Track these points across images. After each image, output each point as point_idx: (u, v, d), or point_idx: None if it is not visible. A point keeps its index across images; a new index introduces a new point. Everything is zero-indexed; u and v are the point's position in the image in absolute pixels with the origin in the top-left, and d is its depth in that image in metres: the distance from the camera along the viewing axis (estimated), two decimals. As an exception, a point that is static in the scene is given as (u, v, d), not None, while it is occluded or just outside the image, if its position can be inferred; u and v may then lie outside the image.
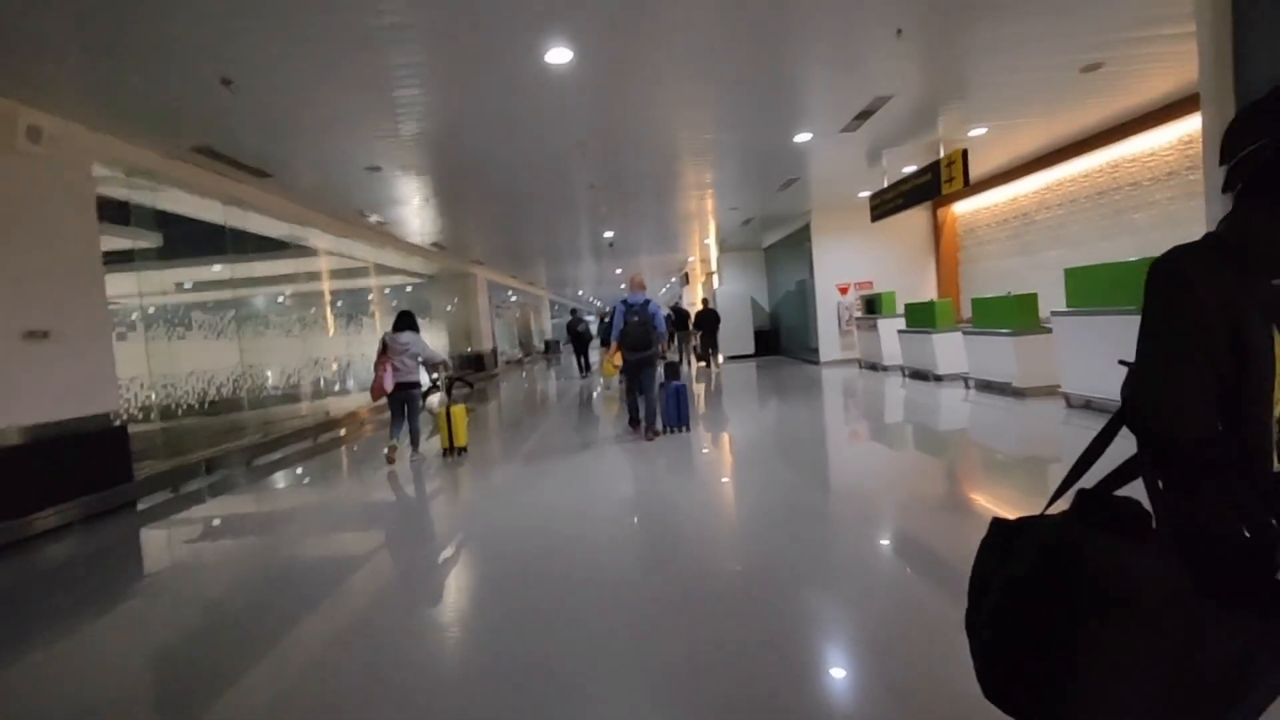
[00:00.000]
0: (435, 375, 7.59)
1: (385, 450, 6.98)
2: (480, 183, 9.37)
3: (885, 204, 10.16)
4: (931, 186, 8.55)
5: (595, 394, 13.91)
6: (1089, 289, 6.44)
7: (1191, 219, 7.86)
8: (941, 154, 8.31)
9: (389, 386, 6.63)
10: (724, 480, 5.77)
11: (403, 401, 6.85)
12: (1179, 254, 1.08)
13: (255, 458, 8.12)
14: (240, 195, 8.17)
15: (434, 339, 16.77)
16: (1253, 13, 2.24)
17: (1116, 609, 0.93)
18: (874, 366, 12.17)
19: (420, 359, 6.90)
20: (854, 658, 2.57)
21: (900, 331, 10.79)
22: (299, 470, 7.95)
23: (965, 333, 8.66)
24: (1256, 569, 0.95)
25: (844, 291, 14.04)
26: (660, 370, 7.46)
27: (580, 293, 37.67)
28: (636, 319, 6.90)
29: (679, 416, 7.46)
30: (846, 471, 6.05)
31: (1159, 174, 8.29)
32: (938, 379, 9.62)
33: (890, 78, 6.28)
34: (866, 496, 4.88)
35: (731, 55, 5.47)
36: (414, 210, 10.86)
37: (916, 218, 13.82)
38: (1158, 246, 8.48)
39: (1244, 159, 1.07)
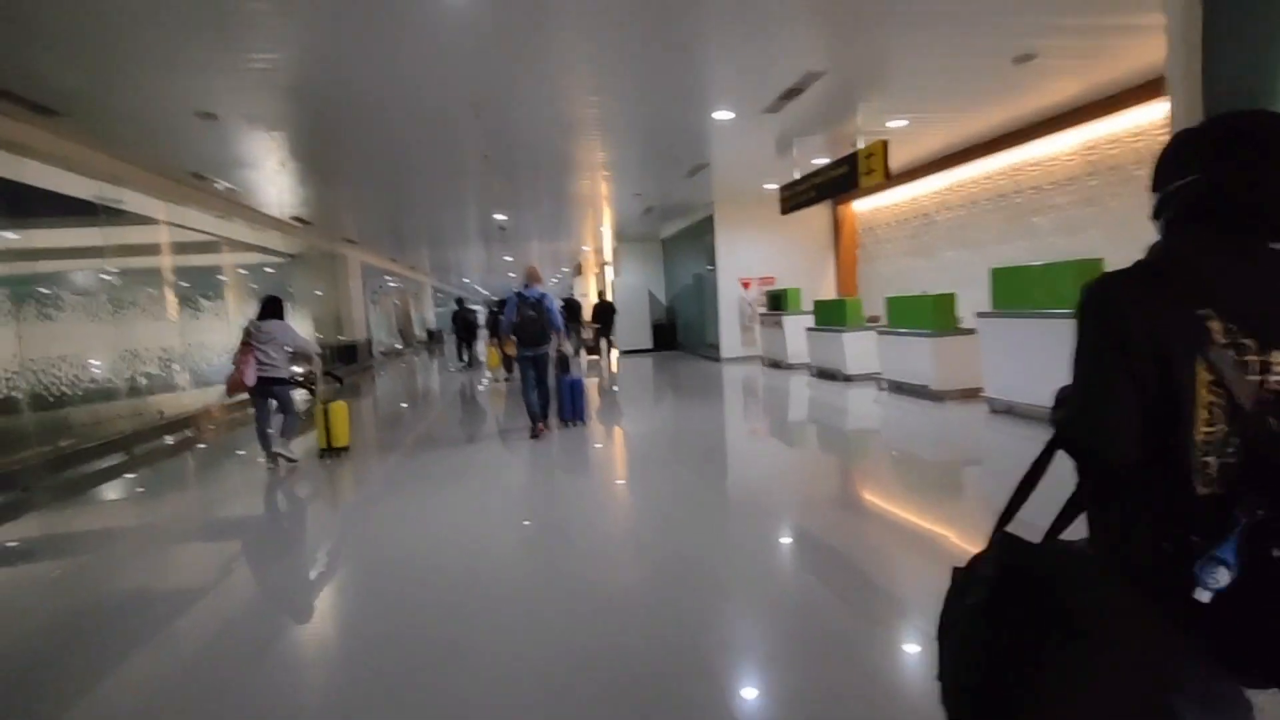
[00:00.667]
0: (301, 370, 6.74)
1: (263, 458, 6.21)
2: (353, 145, 7.99)
3: (797, 196, 9.76)
4: (848, 179, 8.17)
5: (482, 387, 13.01)
6: (1017, 290, 6.23)
7: (1090, 224, 7.99)
8: (860, 145, 7.95)
9: (250, 380, 5.82)
10: (620, 481, 5.51)
11: (267, 399, 6.09)
12: (1112, 281, 1.07)
13: (60, 470, 6.40)
14: (19, 139, 6.34)
15: (298, 327, 14.79)
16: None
17: (1079, 636, 0.96)
18: (778, 364, 11.87)
19: (289, 350, 6.17)
20: (759, 669, 2.54)
21: (809, 329, 10.50)
22: (121, 483, 6.50)
23: (880, 332, 8.40)
24: (1170, 583, 0.98)
25: (746, 286, 13.70)
26: (553, 368, 7.32)
27: (466, 280, 35.67)
28: (532, 313, 6.66)
29: (574, 410, 7.45)
30: (757, 475, 5.67)
31: (1059, 179, 8.39)
32: (847, 379, 9.37)
33: (824, 53, 5.72)
34: (781, 501, 4.66)
35: (653, 13, 4.66)
36: (267, 176, 9.20)
37: (817, 215, 13.70)
38: (1057, 250, 8.67)
39: (1174, 191, 1.07)
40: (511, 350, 6.94)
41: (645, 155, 9.30)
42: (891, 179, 7.83)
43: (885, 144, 7.49)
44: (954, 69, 6.25)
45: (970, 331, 7.04)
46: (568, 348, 7.74)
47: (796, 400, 9.21)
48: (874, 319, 10.09)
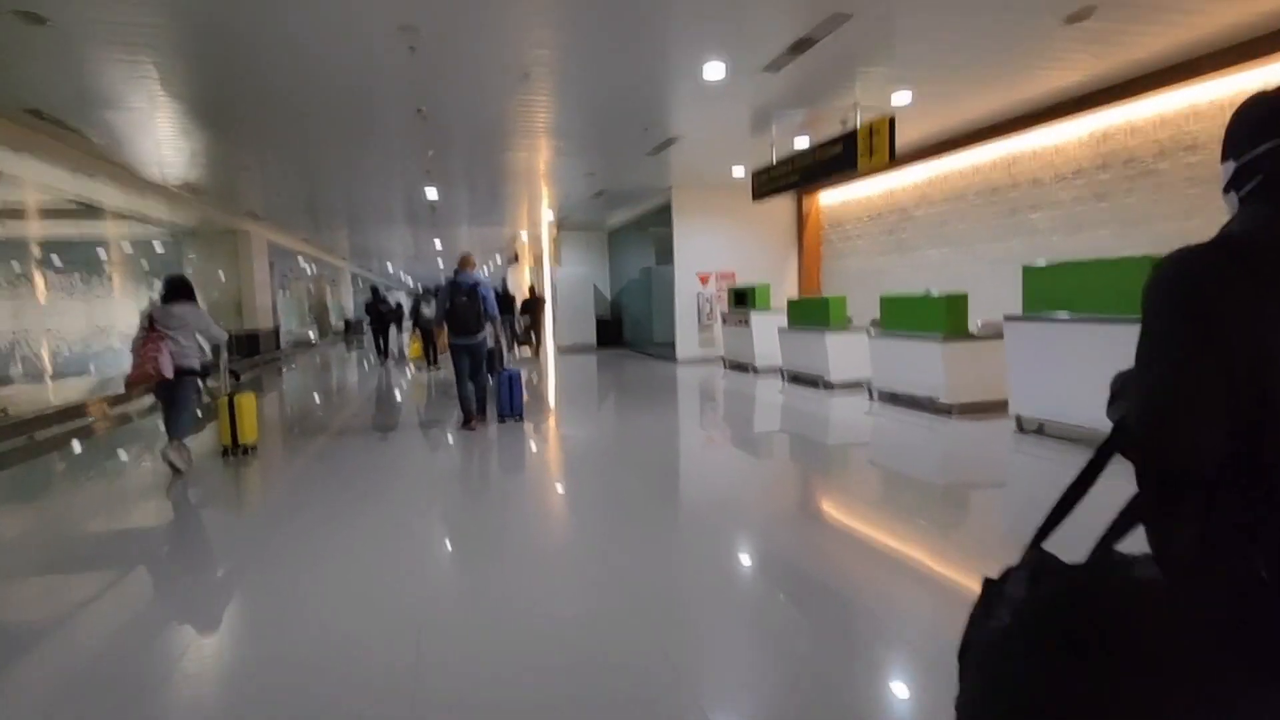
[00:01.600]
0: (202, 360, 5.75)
1: (166, 454, 5.26)
2: (252, 87, 6.38)
3: (774, 181, 8.73)
4: (843, 159, 7.18)
5: (404, 383, 11.63)
6: (1056, 291, 5.35)
7: (1099, 221, 7.31)
8: (858, 121, 6.96)
9: (168, 372, 5.08)
10: (562, 492, 4.98)
11: (173, 391, 5.29)
12: (1195, 259, 0.89)
13: None
14: None
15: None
16: None
17: (1141, 671, 0.83)
18: (743, 367, 10.86)
19: (198, 335, 5.48)
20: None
21: (782, 330, 9.51)
22: None
23: (876, 336, 7.46)
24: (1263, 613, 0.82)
25: (704, 281, 12.64)
26: (489, 359, 7.05)
27: (390, 267, 33.23)
28: (465, 299, 6.41)
29: (512, 405, 7.09)
30: (730, 491, 4.86)
31: (1064, 172, 7.69)
32: (829, 386, 8.42)
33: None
34: (761, 521, 4.14)
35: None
36: (138, 124, 7.38)
37: (781, 207, 12.82)
38: (1057, 250, 7.74)
39: (1259, 158, 0.94)
40: (443, 341, 6.73)
41: (608, 122, 8.01)
42: (894, 161, 6.85)
43: (891, 120, 6.54)
44: (999, 28, 5.29)
45: (992, 337, 6.16)
46: (502, 340, 7.42)
47: (770, 408, 8.19)
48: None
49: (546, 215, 15.66)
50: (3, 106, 6.64)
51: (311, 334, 22.97)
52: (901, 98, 7.09)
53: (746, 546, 3.73)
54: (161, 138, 8.08)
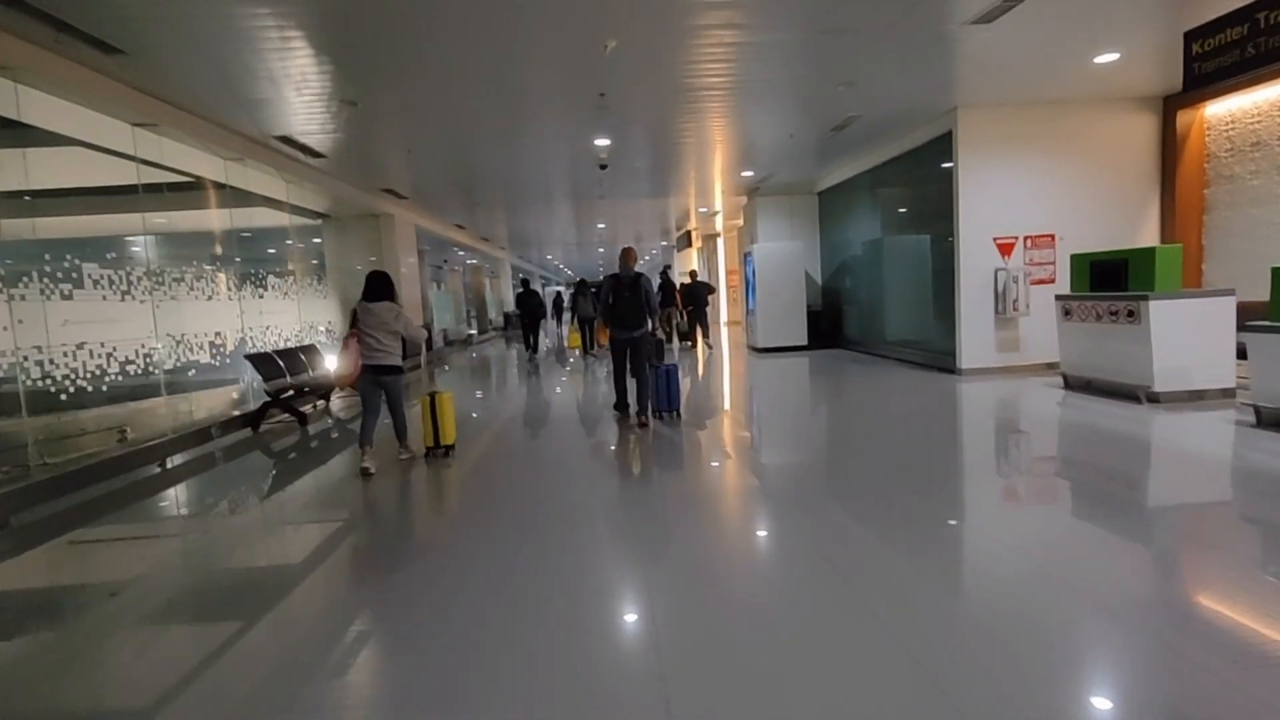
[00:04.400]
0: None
1: (363, 462, 5.15)
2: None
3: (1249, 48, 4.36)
4: None
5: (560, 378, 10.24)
6: None
7: None
8: None
9: (353, 368, 5.09)
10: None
11: (379, 389, 5.25)
12: None
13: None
14: None
15: (314, 309, 10.52)
16: None
17: None
18: (1113, 391, 6.46)
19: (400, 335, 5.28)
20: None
21: (1253, 329, 5.05)
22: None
23: None
24: None
25: (1007, 251, 8.25)
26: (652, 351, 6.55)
27: (550, 257, 31.35)
28: (628, 294, 6.26)
29: (670, 401, 6.65)
30: None
31: None
32: None
33: None
34: None
35: None
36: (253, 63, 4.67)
37: (1126, 130, 8.13)
38: None
39: None
40: (605, 338, 6.58)
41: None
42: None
43: None
44: None
45: None
46: (659, 334, 6.82)
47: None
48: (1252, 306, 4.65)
49: (738, 175, 11.93)
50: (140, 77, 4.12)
51: (470, 330, 21.19)
52: None
53: None
54: (291, 89, 5.47)
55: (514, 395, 9.49)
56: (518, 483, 4.85)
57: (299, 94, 6.29)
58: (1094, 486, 4.17)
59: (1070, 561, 2.97)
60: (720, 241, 21.74)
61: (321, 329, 10.54)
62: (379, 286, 5.27)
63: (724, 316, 22.28)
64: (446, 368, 13.66)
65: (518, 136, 8.33)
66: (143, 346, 6.27)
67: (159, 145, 6.51)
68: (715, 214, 17.65)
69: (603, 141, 8.75)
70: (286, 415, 7.64)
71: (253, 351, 7.86)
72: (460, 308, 20.32)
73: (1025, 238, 8.21)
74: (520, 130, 8.04)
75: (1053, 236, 8.21)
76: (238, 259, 8.26)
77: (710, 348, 14.24)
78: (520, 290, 15.38)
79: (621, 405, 6.80)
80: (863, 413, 6.87)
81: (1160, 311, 5.83)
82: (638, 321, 6.29)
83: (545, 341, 19.20)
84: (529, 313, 14.94)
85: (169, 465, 5.94)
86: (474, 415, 7.78)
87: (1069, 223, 8.19)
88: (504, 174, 10.82)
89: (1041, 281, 8.19)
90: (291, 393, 7.61)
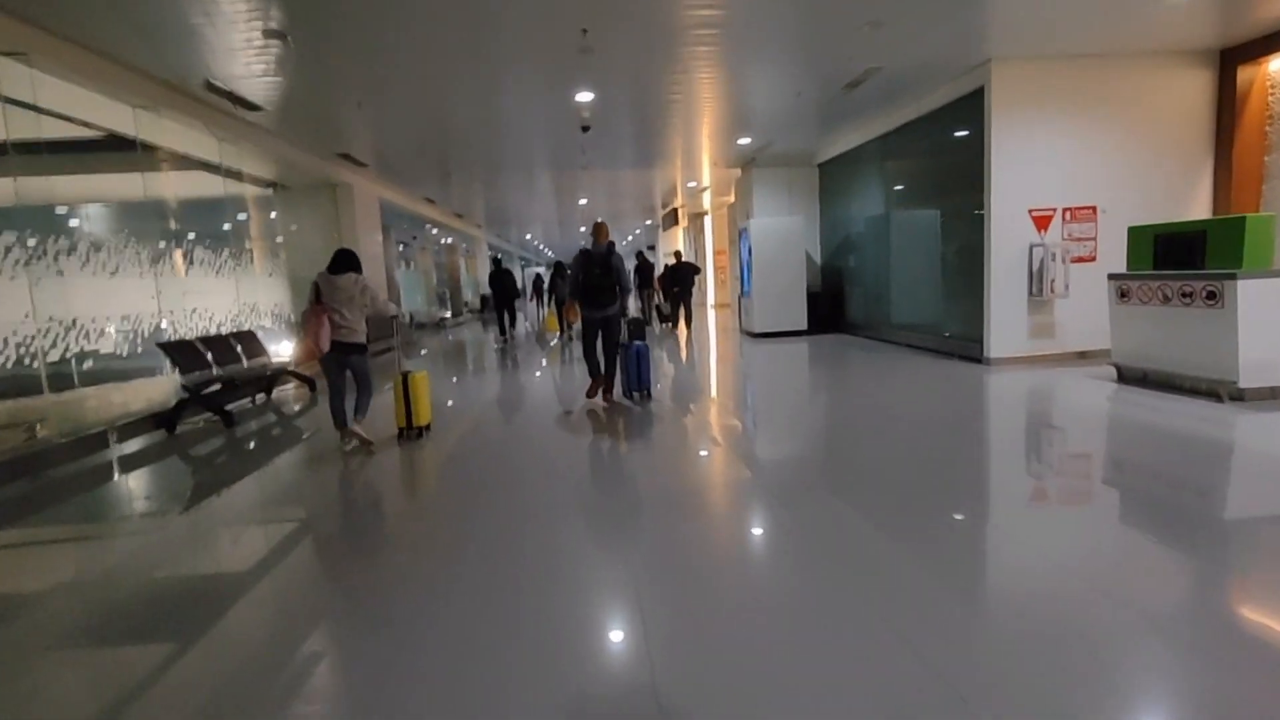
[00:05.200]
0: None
1: (340, 437, 5.13)
2: None
3: None
4: None
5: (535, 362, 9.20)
6: None
7: None
8: None
9: (325, 346, 4.81)
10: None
11: (343, 367, 5.04)
12: None
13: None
14: None
15: (258, 289, 9.29)
16: None
17: None
18: (1176, 384, 5.57)
19: (366, 310, 5.03)
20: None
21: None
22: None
23: None
24: None
25: (1044, 224, 7.31)
26: (624, 329, 6.49)
27: (529, 237, 30.07)
28: (599, 271, 6.02)
29: (640, 381, 6.44)
30: None
31: None
32: None
33: None
34: None
35: None
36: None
37: (1181, 84, 7.20)
38: None
39: None
40: (574, 317, 6.35)
41: None
42: None
43: None
44: None
45: None
46: (630, 311, 6.64)
47: None
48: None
49: (734, 144, 10.87)
50: None
51: (444, 313, 19.97)
52: None
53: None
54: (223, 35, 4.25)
55: (481, 382, 8.45)
56: (488, 471, 4.47)
57: (210, 22, 5.11)
58: (1189, 510, 3.24)
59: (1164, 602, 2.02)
60: (708, 220, 20.67)
61: (267, 311, 9.33)
62: (343, 259, 5.02)
63: (711, 299, 21.27)
64: (424, 351, 12.52)
65: (491, 89, 7.19)
66: (14, 334, 5.09)
67: (31, 82, 5.26)
68: (704, 190, 16.58)
69: (585, 96, 7.63)
70: (210, 414, 6.51)
71: (168, 339, 6.68)
72: (431, 289, 19.08)
73: (1064, 210, 7.27)
74: (494, 80, 6.90)
75: (1094, 208, 7.28)
76: (154, 230, 7.03)
77: (689, 331, 13.53)
78: (493, 270, 14.41)
79: (595, 376, 6.44)
80: (880, 408, 5.90)
81: (1250, 293, 4.91)
82: (609, 298, 6.09)
83: (525, 324, 18.22)
84: (502, 293, 14.10)
85: (43, 478, 4.81)
86: (447, 403, 6.77)
87: (1111, 193, 7.26)
88: (477, 137, 9.65)
89: (1080, 260, 7.28)
90: (219, 386, 6.48)
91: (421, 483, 4.44)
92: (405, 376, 5.29)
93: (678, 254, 14.07)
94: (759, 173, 12.29)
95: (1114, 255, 7.16)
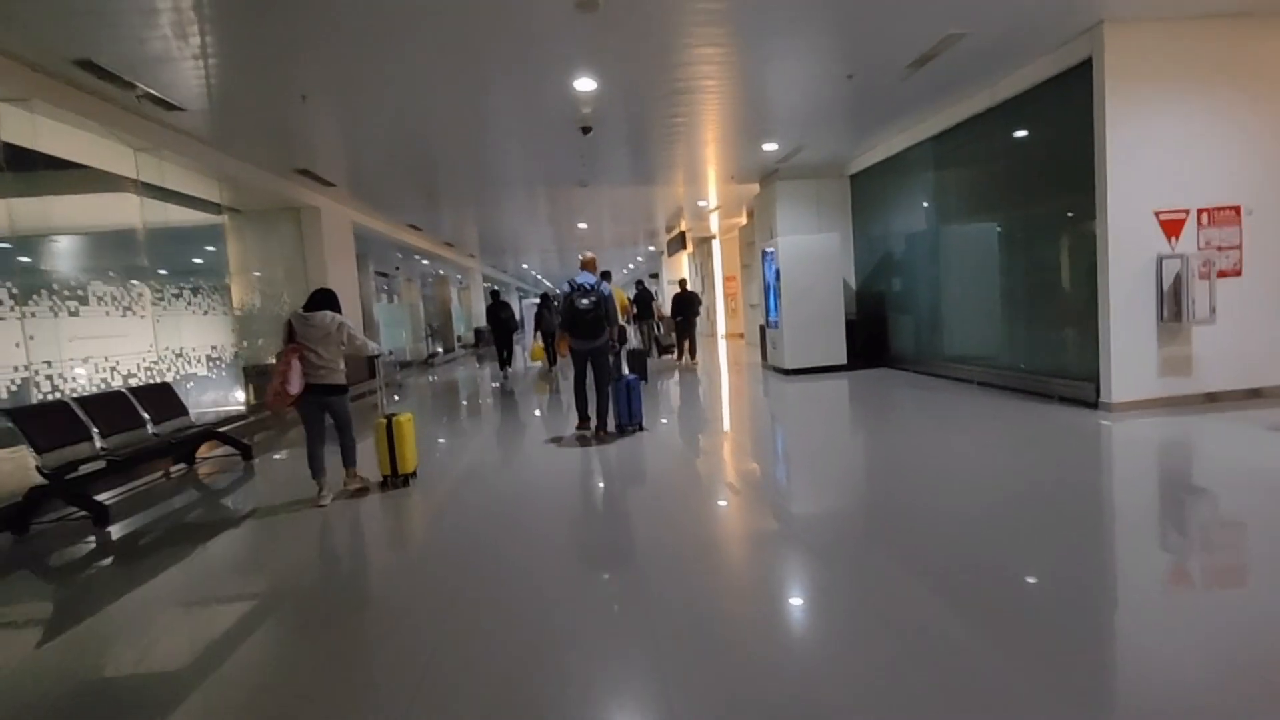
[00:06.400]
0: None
1: (319, 498, 4.67)
2: None
3: None
4: None
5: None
6: None
7: None
8: None
9: (294, 388, 4.46)
10: None
11: (321, 410, 4.72)
12: None
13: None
14: None
15: (188, 330, 7.69)
16: None
17: None
18: None
19: (345, 349, 4.73)
20: None
21: None
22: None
23: None
24: None
25: (1175, 230, 5.74)
26: (624, 361, 6.57)
27: (525, 266, 28.67)
28: (586, 302, 6.02)
29: (631, 414, 6.36)
30: None
31: None
32: None
33: None
34: None
35: None
36: None
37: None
38: None
39: None
40: (565, 350, 6.30)
41: None
42: None
43: None
44: None
45: None
46: (615, 344, 6.38)
47: None
48: None
49: (757, 150, 9.39)
50: None
51: (436, 348, 18.38)
52: None
53: None
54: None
55: (473, 423, 6.85)
56: (476, 518, 4.12)
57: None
58: None
59: None
60: (716, 244, 19.21)
61: (200, 357, 7.72)
62: (320, 298, 4.77)
63: (721, 329, 19.70)
64: (398, 396, 10.88)
65: (478, 84, 5.67)
66: None
67: None
68: (713, 210, 15.13)
69: (586, 86, 6.13)
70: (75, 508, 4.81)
71: (26, 404, 5.03)
72: (418, 324, 17.51)
73: (1199, 211, 5.71)
74: (480, 75, 5.39)
75: (1237, 209, 5.73)
76: (20, 264, 5.45)
77: (695, 363, 12.62)
78: (490, 302, 13.89)
79: (584, 418, 6.46)
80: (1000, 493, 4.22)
81: None
82: (596, 330, 6.10)
83: (522, 356, 16.80)
84: (499, 326, 13.54)
85: None
86: (438, 442, 5.21)
87: (1258, 190, 5.71)
88: (462, 146, 8.17)
89: (1224, 274, 5.70)
90: (104, 465, 4.83)
91: (403, 548, 3.79)
92: (389, 420, 4.87)
93: (683, 282, 12.93)
94: (783, 185, 10.79)
95: (1264, 268, 5.59)
